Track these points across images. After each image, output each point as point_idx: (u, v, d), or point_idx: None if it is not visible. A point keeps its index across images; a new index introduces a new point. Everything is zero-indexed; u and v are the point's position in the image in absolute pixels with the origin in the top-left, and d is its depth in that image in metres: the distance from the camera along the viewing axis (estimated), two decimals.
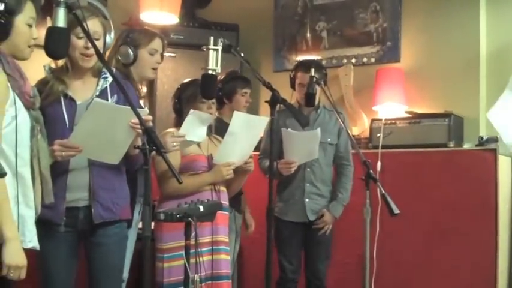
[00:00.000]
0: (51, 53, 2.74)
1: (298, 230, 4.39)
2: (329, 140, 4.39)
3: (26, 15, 2.70)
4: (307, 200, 4.37)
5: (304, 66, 4.42)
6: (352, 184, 4.45)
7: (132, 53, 3.55)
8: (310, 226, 4.38)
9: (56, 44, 2.70)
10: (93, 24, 3.02)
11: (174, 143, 3.50)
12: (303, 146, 4.20)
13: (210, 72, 3.40)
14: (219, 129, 3.97)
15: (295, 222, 4.37)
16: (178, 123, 3.85)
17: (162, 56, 3.73)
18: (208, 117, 3.73)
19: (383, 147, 5.15)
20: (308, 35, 6.17)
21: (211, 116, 3.79)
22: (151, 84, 5.51)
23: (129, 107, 2.61)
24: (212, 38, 3.39)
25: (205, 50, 3.41)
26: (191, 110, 3.66)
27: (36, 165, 2.74)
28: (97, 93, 3.08)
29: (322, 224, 4.34)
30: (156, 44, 3.67)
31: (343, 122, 4.14)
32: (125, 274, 3.44)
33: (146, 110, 2.78)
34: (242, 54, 3.57)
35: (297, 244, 4.41)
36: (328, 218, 4.35)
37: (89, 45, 2.96)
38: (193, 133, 3.63)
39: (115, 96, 3.11)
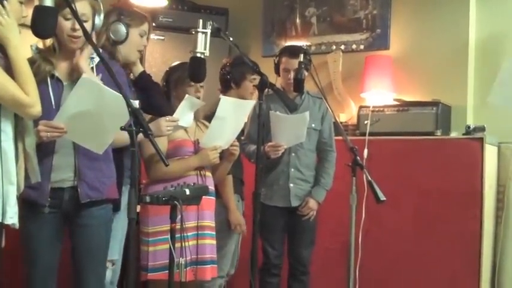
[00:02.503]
0: (38, 32, 2.73)
1: (281, 215, 4.38)
2: (313, 125, 4.36)
3: None
4: (291, 185, 4.36)
5: (290, 51, 4.40)
6: (334, 170, 4.43)
7: (125, 31, 3.51)
8: (294, 211, 4.37)
9: (43, 23, 2.69)
10: (82, 6, 2.98)
11: (168, 127, 3.47)
12: (291, 129, 4.18)
13: (198, 55, 3.38)
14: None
15: (279, 207, 4.36)
16: None
17: (147, 39, 3.70)
18: (198, 103, 3.72)
19: (370, 134, 5.15)
20: (298, 20, 6.15)
21: (201, 102, 3.77)
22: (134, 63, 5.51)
23: (120, 95, 2.57)
24: (201, 21, 3.38)
25: (193, 33, 3.39)
26: (186, 95, 3.65)
27: (20, 143, 2.74)
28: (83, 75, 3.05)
29: (307, 211, 4.34)
30: (146, 26, 3.64)
31: (326, 108, 4.14)
32: (117, 257, 3.43)
33: (137, 102, 2.75)
34: (231, 39, 3.55)
35: (280, 229, 4.40)
36: (312, 204, 4.34)
37: (77, 26, 2.93)
38: (183, 118, 3.62)
39: (100, 75, 3.08)
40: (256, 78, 4.40)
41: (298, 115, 4.19)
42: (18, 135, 2.73)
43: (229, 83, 4.33)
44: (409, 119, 5.13)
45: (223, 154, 3.85)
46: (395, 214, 4.88)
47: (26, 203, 2.85)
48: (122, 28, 3.49)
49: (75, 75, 3.02)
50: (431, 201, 4.89)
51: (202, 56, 3.38)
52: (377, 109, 5.24)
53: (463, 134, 4.98)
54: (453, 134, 5.16)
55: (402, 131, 5.11)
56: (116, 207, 3.24)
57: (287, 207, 4.36)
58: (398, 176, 4.95)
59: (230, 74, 4.32)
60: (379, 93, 5.42)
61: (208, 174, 3.85)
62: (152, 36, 5.63)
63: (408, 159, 5.02)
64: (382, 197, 3.66)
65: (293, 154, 4.35)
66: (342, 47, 5.87)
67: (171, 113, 3.57)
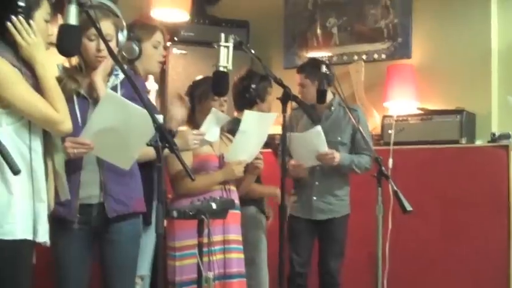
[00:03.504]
0: (64, 51, 2.75)
1: (309, 226, 4.37)
2: (339, 138, 4.33)
3: (44, 10, 2.72)
4: (314, 198, 4.35)
5: (298, 67, 4.48)
6: (363, 169, 4.36)
7: (136, 48, 3.53)
8: (322, 223, 4.35)
9: (68, 41, 2.71)
10: (106, 26, 3.02)
11: (195, 141, 3.49)
12: (307, 146, 4.14)
13: (221, 69, 3.39)
14: (237, 130, 3.94)
15: (304, 218, 4.35)
16: (191, 121, 3.86)
17: (164, 48, 3.72)
18: (224, 117, 3.73)
19: (395, 143, 5.14)
20: (318, 31, 6.15)
21: (227, 116, 3.78)
22: (162, 81, 5.57)
23: (145, 110, 2.59)
24: (223, 35, 3.39)
25: (216, 47, 3.40)
26: (212, 109, 3.66)
27: (49, 162, 2.77)
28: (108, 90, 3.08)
29: (330, 152, 4.21)
30: (158, 36, 3.66)
31: (357, 118, 4.13)
32: (146, 272, 3.44)
33: (161, 116, 2.77)
34: (253, 51, 3.55)
35: (307, 238, 4.39)
36: (336, 154, 4.21)
37: (102, 47, 2.97)
38: (209, 132, 3.63)
39: (122, 90, 3.10)
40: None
41: (309, 131, 4.17)
42: (47, 153, 2.76)
43: (254, 100, 4.32)
44: (433, 127, 5.11)
45: (247, 168, 3.85)
46: (422, 224, 4.85)
47: (56, 220, 2.88)
48: (133, 45, 3.51)
49: (94, 92, 3.05)
50: (457, 210, 4.86)
51: (225, 70, 3.39)
52: (401, 118, 5.23)
53: (488, 142, 4.95)
54: (478, 142, 5.13)
55: (427, 139, 5.09)
56: (146, 221, 3.25)
57: (309, 220, 4.34)
58: (424, 185, 4.93)
59: (254, 90, 4.31)
60: (403, 102, 5.40)
61: (233, 188, 3.85)
62: (174, 50, 5.71)
63: (433, 168, 4.99)
64: (409, 207, 3.64)
65: (317, 167, 4.33)
66: (364, 56, 5.87)
67: None
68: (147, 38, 3.59)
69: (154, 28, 3.66)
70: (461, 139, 4.99)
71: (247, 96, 4.29)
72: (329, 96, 4.30)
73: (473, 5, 5.42)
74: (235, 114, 4.24)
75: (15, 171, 1.87)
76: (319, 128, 4.12)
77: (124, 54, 3.48)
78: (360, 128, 4.07)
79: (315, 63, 4.45)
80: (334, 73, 4.25)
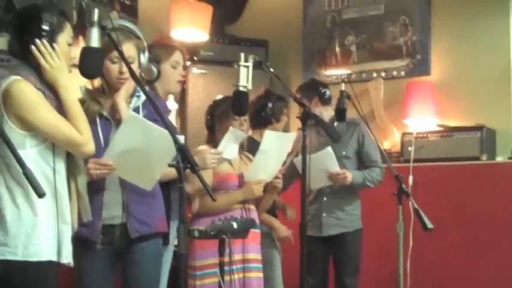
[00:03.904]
0: (86, 73, 2.80)
1: (322, 245, 4.35)
2: (344, 153, 4.34)
3: (67, 34, 2.76)
4: (324, 214, 4.35)
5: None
6: (376, 183, 4.36)
7: (155, 69, 3.56)
8: (335, 240, 4.35)
9: (90, 64, 2.76)
10: (128, 49, 3.06)
11: (213, 160, 3.51)
12: (319, 167, 4.13)
13: (241, 88, 3.41)
14: (251, 149, 3.97)
15: (314, 236, 4.33)
16: (211, 140, 3.88)
17: (183, 68, 3.74)
18: (242, 135, 3.75)
19: (415, 161, 5.13)
20: (337, 49, 6.17)
21: (245, 134, 3.80)
22: (182, 100, 5.60)
23: (166, 130, 2.61)
24: (243, 54, 3.41)
25: (236, 66, 3.42)
26: (230, 127, 3.68)
27: (72, 183, 2.79)
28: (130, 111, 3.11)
29: (341, 172, 4.23)
30: (177, 56, 3.68)
31: (361, 132, 4.19)
32: None
33: (183, 137, 2.79)
34: (272, 70, 3.57)
35: (321, 258, 4.38)
36: (348, 174, 4.24)
37: (124, 69, 3.01)
38: (228, 150, 3.65)
39: (144, 111, 3.13)
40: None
41: (320, 152, 4.17)
42: (70, 175, 2.79)
43: (269, 118, 4.34)
44: (453, 144, 5.10)
45: (267, 187, 3.86)
46: (443, 241, 4.83)
47: (79, 240, 2.90)
48: (152, 67, 3.52)
49: (116, 114, 3.09)
50: (479, 227, 4.84)
51: (245, 90, 3.41)
52: (420, 135, 5.23)
53: (509, 158, 4.94)
54: (499, 159, 5.11)
55: (447, 156, 5.09)
56: (164, 241, 3.27)
57: (320, 237, 4.33)
58: (445, 202, 4.91)
59: (271, 110, 4.33)
60: (422, 119, 5.40)
61: (252, 207, 3.86)
62: (194, 70, 5.75)
63: (454, 185, 4.98)
64: (430, 225, 3.63)
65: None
66: (383, 74, 5.88)
67: None
68: (166, 59, 3.62)
69: (173, 48, 3.69)
70: (481, 156, 4.97)
71: (263, 115, 4.31)
72: (330, 112, 4.35)
73: (492, 21, 5.41)
74: (250, 132, 4.26)
75: (40, 194, 1.89)
76: (329, 148, 4.15)
77: (143, 75, 3.52)
78: (367, 141, 4.13)
79: (312, 82, 4.48)
80: (331, 93, 4.34)
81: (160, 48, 3.64)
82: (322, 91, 4.37)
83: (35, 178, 1.89)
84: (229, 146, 3.66)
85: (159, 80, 3.58)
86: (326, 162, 4.16)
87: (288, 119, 4.58)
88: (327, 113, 4.38)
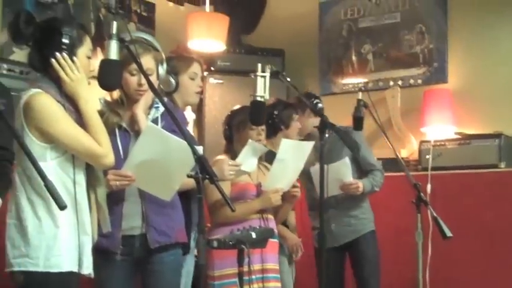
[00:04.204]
0: (105, 85, 2.82)
1: (335, 254, 4.34)
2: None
3: (86, 47, 2.78)
4: (333, 225, 4.35)
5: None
6: (381, 186, 4.37)
7: (173, 81, 3.57)
8: (350, 246, 4.35)
9: (109, 76, 2.78)
10: (147, 61, 3.08)
11: (231, 172, 3.52)
12: (332, 177, 4.12)
13: (258, 98, 3.42)
14: (267, 159, 3.98)
15: (329, 247, 4.32)
16: (229, 150, 3.90)
17: (201, 79, 3.76)
18: (261, 148, 3.76)
19: (433, 169, 5.12)
20: (354, 57, 6.18)
21: (264, 147, 3.81)
22: (199, 111, 5.63)
23: (185, 142, 2.63)
24: (260, 65, 3.42)
25: (253, 76, 3.43)
26: (249, 140, 3.69)
27: (92, 194, 2.82)
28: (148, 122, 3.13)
29: (354, 183, 4.24)
30: (195, 68, 3.70)
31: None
32: None
33: (201, 147, 2.80)
34: (288, 79, 3.58)
35: (336, 268, 4.36)
36: (360, 184, 4.26)
37: (143, 81, 3.03)
38: (246, 163, 3.66)
39: (163, 122, 3.15)
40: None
41: (338, 162, 4.18)
42: (90, 186, 2.81)
43: (279, 126, 4.36)
44: (471, 152, 5.08)
45: (284, 196, 3.86)
46: (462, 250, 4.80)
47: (99, 251, 2.91)
48: (170, 78, 3.55)
49: (135, 125, 3.11)
50: (498, 235, 4.81)
51: (262, 100, 3.42)
52: (438, 143, 5.22)
53: None
54: None
55: (465, 164, 5.07)
56: (185, 252, 3.28)
57: (334, 247, 4.33)
58: (463, 210, 4.89)
59: (278, 117, 4.34)
60: (440, 127, 5.39)
61: (271, 216, 3.87)
62: (211, 80, 5.78)
63: (472, 193, 4.95)
64: (449, 233, 3.62)
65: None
66: (400, 82, 5.88)
67: None
68: (184, 70, 3.64)
69: (191, 60, 3.72)
70: (500, 163, 4.95)
71: (271, 123, 4.31)
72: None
73: (509, 28, 5.41)
74: (264, 142, 4.26)
75: (62, 207, 1.91)
76: (347, 159, 4.17)
77: (162, 87, 3.55)
78: (361, 146, 4.15)
79: (305, 94, 4.48)
80: (322, 105, 4.36)
81: (178, 60, 3.67)
82: (314, 102, 4.37)
83: (56, 190, 1.91)
84: (248, 158, 3.67)
85: (177, 91, 3.61)
86: (341, 172, 4.17)
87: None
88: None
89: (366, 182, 4.33)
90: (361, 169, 4.40)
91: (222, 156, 3.80)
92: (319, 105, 4.42)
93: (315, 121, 4.35)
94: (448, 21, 5.71)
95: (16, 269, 2.66)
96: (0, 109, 1.92)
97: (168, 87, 3.56)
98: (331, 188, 4.15)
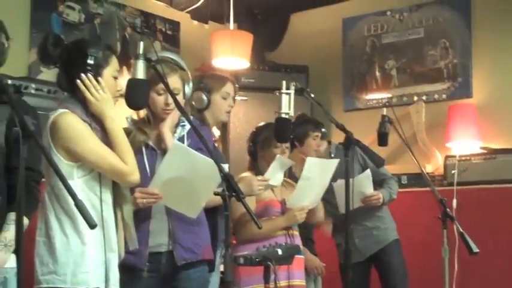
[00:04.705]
0: (132, 104, 2.86)
1: (360, 268, 4.33)
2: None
3: (112, 68, 2.82)
4: (356, 240, 4.34)
5: None
6: (397, 192, 4.42)
7: (206, 98, 3.62)
8: (376, 257, 4.33)
9: (136, 95, 2.82)
10: (174, 81, 3.11)
11: (260, 187, 3.54)
12: (355, 191, 4.13)
13: (283, 115, 3.43)
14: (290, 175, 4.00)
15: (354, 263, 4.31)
16: (253, 167, 3.92)
17: (234, 99, 3.80)
18: (288, 162, 3.78)
19: (458, 184, 5.11)
20: (377, 73, 6.20)
21: (290, 161, 3.82)
22: (224, 127, 5.66)
23: (211, 159, 2.65)
24: (284, 82, 3.43)
25: (278, 94, 3.45)
26: (277, 155, 3.71)
27: (119, 212, 2.85)
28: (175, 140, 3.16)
29: (376, 194, 4.28)
30: (228, 87, 3.74)
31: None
32: None
33: (227, 165, 2.83)
34: (312, 95, 3.59)
35: (363, 284, 4.38)
36: (380, 194, 4.30)
37: (170, 101, 3.06)
38: (274, 177, 3.68)
39: (189, 140, 3.19)
40: (319, 135, 4.45)
41: (361, 175, 4.19)
42: (117, 204, 2.85)
43: (293, 142, 4.34)
44: (497, 166, 5.07)
45: (309, 214, 3.87)
46: (489, 265, 4.78)
47: (126, 268, 2.93)
48: (203, 96, 3.60)
49: (162, 143, 3.15)
50: None
51: (287, 117, 3.44)
52: (463, 158, 5.21)
53: None
54: None
55: (491, 179, 5.06)
56: (211, 268, 3.30)
57: (360, 262, 4.32)
58: (490, 225, 4.87)
59: (293, 134, 4.34)
60: (465, 142, 5.37)
61: (296, 233, 3.87)
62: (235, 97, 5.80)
63: (498, 208, 4.93)
64: (475, 249, 3.60)
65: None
66: (424, 97, 5.88)
67: None
68: (217, 89, 3.68)
69: (225, 80, 3.76)
70: None
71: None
72: (324, 145, 4.44)
73: None
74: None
75: (92, 226, 1.94)
76: (368, 171, 4.19)
77: (193, 103, 3.58)
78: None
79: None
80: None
81: (212, 79, 3.72)
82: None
83: (87, 209, 1.94)
84: (275, 173, 3.69)
85: (208, 109, 3.65)
86: (363, 185, 4.19)
87: (329, 144, 4.58)
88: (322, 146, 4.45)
89: (384, 192, 4.37)
90: (373, 180, 4.40)
91: (246, 174, 3.82)
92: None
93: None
94: (472, 36, 5.71)
95: (44, 285, 2.68)
96: (31, 129, 1.95)
97: (199, 105, 3.61)
98: (354, 201, 4.17)
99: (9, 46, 2.71)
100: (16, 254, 2.01)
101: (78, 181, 2.71)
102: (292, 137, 4.34)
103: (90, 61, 2.74)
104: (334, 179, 3.96)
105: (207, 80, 3.68)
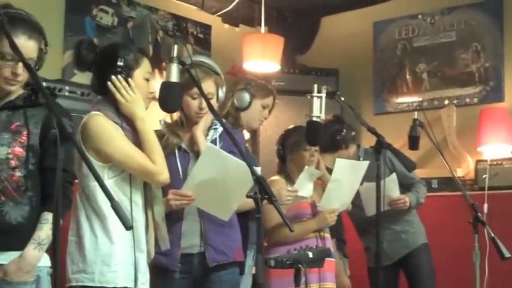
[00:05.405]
0: (165, 107, 2.89)
1: (388, 272, 4.32)
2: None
3: (144, 70, 2.85)
4: (385, 244, 4.33)
5: None
6: (425, 196, 4.40)
7: (248, 100, 3.65)
8: (405, 260, 4.32)
9: (169, 98, 2.85)
10: (208, 85, 3.14)
11: (289, 198, 3.56)
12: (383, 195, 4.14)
13: (315, 119, 3.45)
14: None
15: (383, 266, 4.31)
16: (282, 170, 3.93)
17: (269, 112, 3.83)
18: (317, 173, 3.79)
19: (489, 188, 5.08)
20: (408, 77, 6.18)
21: (320, 172, 3.82)
22: (254, 130, 5.68)
23: (243, 162, 2.67)
24: (316, 85, 3.45)
25: (309, 97, 3.46)
26: (305, 167, 3.73)
27: (149, 212, 2.88)
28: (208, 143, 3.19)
29: (402, 198, 4.27)
30: (270, 100, 3.79)
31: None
32: None
33: (260, 168, 2.84)
34: (342, 98, 3.60)
35: (391, 283, 4.38)
36: (407, 198, 4.29)
37: (204, 105, 3.09)
38: (303, 189, 3.69)
39: (222, 143, 3.21)
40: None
41: (387, 178, 4.16)
42: (148, 205, 2.88)
43: (341, 144, 4.35)
44: None
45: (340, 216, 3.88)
46: None
47: (157, 269, 2.97)
48: (247, 96, 3.64)
49: (195, 146, 3.18)
50: None
51: (318, 120, 3.45)
52: (495, 162, 5.18)
53: None
54: None
55: None
56: (242, 271, 3.32)
57: (388, 265, 4.31)
58: None
59: (344, 136, 4.34)
60: (496, 146, 5.34)
61: (327, 235, 3.88)
62: None
63: None
64: (507, 254, 3.59)
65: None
66: (455, 101, 5.85)
67: None
68: (260, 97, 3.72)
69: (270, 92, 3.80)
70: None
71: (338, 139, 4.30)
72: (353, 149, 4.40)
73: None
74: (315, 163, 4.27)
75: (128, 227, 1.96)
76: (394, 175, 4.18)
77: (235, 101, 3.62)
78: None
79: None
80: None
81: (259, 86, 3.76)
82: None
83: (123, 210, 1.96)
84: (304, 184, 3.70)
85: (246, 111, 3.68)
86: (389, 188, 4.18)
87: (358, 148, 4.58)
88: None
89: (411, 196, 4.36)
90: (401, 184, 4.39)
91: (276, 177, 3.84)
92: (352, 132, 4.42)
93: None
94: (504, 39, 5.67)
95: (74, 284, 2.73)
96: (69, 131, 1.98)
97: (241, 103, 3.64)
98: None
99: (47, 51, 2.76)
100: (53, 254, 2.04)
101: (108, 182, 2.74)
102: (341, 139, 4.33)
103: (119, 63, 2.77)
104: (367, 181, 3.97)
105: (254, 85, 3.72)
